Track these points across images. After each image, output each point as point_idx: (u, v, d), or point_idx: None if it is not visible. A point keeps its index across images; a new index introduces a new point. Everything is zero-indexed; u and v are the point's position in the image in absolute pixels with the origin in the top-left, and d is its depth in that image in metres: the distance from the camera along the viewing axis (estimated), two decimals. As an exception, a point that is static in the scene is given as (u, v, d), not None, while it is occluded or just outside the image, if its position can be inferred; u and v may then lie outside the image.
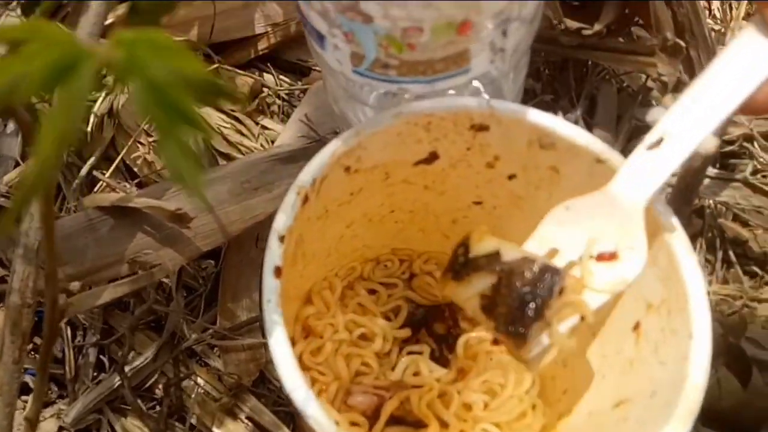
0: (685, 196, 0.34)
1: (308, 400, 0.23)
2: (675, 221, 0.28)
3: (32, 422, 0.27)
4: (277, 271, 0.25)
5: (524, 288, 0.26)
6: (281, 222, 0.25)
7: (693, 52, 0.42)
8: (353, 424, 0.32)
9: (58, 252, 0.32)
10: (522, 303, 0.26)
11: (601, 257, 0.28)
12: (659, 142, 0.27)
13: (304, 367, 0.34)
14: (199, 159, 0.14)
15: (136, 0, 0.21)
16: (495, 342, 0.35)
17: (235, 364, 0.39)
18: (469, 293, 0.28)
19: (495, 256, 0.28)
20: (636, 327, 0.29)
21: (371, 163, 0.29)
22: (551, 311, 0.26)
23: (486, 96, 0.31)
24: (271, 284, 0.24)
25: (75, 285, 0.30)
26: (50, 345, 0.25)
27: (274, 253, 0.25)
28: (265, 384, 0.40)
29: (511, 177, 0.31)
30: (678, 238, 0.27)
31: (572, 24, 0.40)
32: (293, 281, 0.30)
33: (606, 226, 0.27)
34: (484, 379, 0.34)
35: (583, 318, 0.27)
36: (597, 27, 0.40)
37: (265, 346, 0.38)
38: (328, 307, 0.35)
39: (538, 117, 0.28)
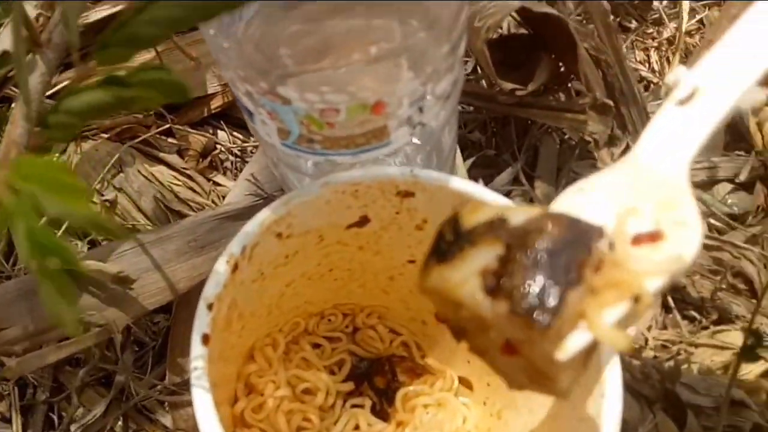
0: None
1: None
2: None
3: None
4: (205, 339, 0.26)
5: (551, 244, 0.19)
6: (210, 290, 0.26)
7: (624, 109, 0.45)
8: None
9: (5, 315, 0.33)
10: (551, 262, 0.19)
11: (638, 240, 0.21)
12: (691, 96, 0.22)
13: (246, 425, 0.35)
14: (75, 300, 0.15)
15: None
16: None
17: (184, 419, 0.40)
18: (464, 273, 0.21)
19: (499, 222, 0.21)
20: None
21: (303, 228, 0.30)
22: (594, 275, 0.19)
23: (420, 155, 0.33)
24: (198, 351, 0.26)
25: (20, 347, 0.31)
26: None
27: (202, 321, 0.26)
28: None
29: (440, 238, 0.33)
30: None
31: (507, 85, 0.42)
32: (230, 341, 0.31)
33: (640, 203, 0.22)
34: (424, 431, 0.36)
35: (637, 299, 0.19)
36: (531, 87, 0.42)
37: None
38: (270, 364, 0.36)
39: (459, 184, 0.30)
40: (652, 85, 0.59)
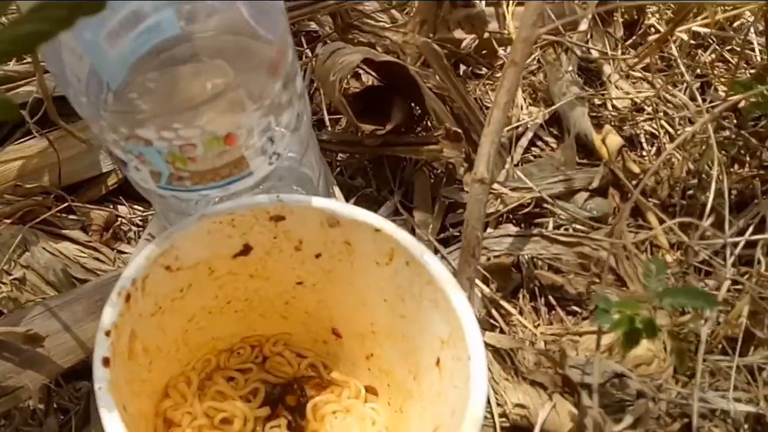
0: (468, 251, 0.41)
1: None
2: (441, 268, 0.34)
3: None
4: (105, 361, 0.29)
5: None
6: (105, 318, 0.30)
7: (474, 135, 0.51)
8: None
9: None
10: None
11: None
12: None
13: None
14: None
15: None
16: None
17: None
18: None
19: None
20: (438, 362, 0.35)
21: (191, 261, 0.34)
22: None
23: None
24: (99, 373, 0.29)
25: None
26: None
27: (101, 346, 0.29)
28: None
29: (317, 255, 0.37)
30: (448, 281, 0.34)
31: (368, 127, 0.48)
32: (140, 375, 0.34)
33: None
34: (332, 437, 0.39)
35: None
36: (389, 126, 0.48)
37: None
38: (186, 398, 0.39)
39: (320, 202, 0.35)
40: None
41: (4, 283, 0.44)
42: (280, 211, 0.35)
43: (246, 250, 0.36)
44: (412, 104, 0.50)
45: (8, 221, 0.46)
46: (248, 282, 0.38)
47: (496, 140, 0.38)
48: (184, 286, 0.35)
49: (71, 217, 0.49)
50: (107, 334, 0.30)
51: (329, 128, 0.55)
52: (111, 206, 0.51)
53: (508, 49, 0.69)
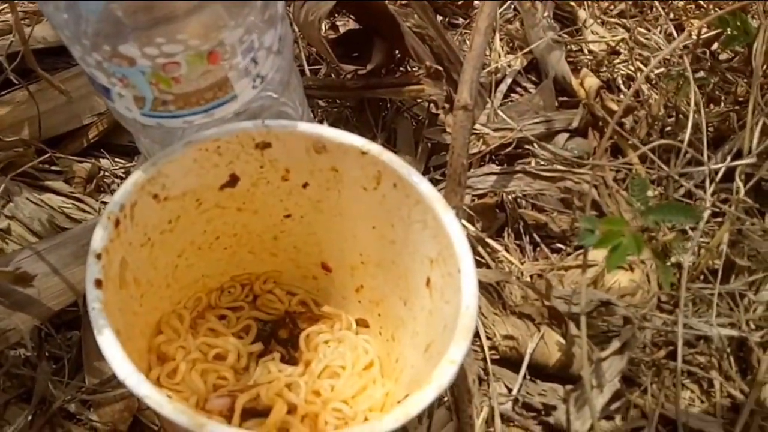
0: (455, 179, 0.41)
1: (140, 383, 0.27)
2: (429, 187, 0.34)
3: None
4: (98, 282, 0.29)
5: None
6: (95, 242, 0.30)
7: (455, 74, 0.51)
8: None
9: None
10: None
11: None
12: None
13: (162, 390, 0.37)
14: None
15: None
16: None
17: (110, 415, 0.42)
18: None
19: None
20: (428, 283, 0.35)
21: (178, 190, 0.34)
22: None
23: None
24: (93, 294, 0.29)
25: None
26: None
27: (92, 268, 0.29)
28: (143, 430, 0.43)
29: (305, 185, 0.38)
30: (437, 200, 0.34)
31: (349, 68, 0.48)
32: (131, 307, 0.34)
33: None
34: (325, 365, 0.39)
35: None
36: (369, 66, 0.48)
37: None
38: (179, 334, 0.39)
39: (306, 127, 0.35)
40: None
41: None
42: (265, 137, 0.35)
43: (233, 180, 0.36)
44: (392, 46, 0.50)
45: (-10, 173, 0.46)
46: (236, 216, 0.38)
47: (479, 66, 0.38)
48: (173, 218, 0.35)
49: (53, 168, 0.49)
50: (98, 257, 0.30)
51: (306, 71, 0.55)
52: (93, 159, 0.51)
53: None
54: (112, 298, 0.30)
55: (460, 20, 0.69)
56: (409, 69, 0.53)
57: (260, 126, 0.34)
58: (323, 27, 0.46)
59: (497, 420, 0.46)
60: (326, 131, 0.35)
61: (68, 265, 0.40)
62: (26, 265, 0.39)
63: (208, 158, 0.34)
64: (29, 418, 0.40)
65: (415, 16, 0.49)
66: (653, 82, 0.66)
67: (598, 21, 0.71)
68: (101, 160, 0.51)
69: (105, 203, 0.48)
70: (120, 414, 0.42)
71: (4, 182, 0.45)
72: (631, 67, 0.66)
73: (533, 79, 0.67)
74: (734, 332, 0.51)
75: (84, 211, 0.47)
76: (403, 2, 0.52)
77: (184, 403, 0.36)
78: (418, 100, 0.54)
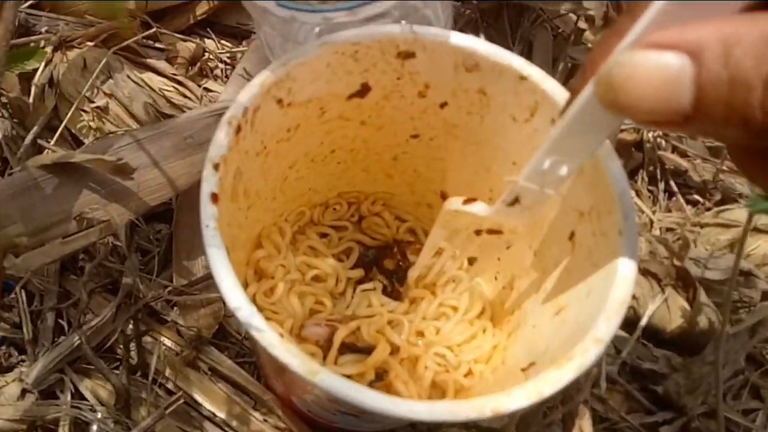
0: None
1: (252, 316, 0.24)
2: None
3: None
4: (214, 197, 0.25)
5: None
6: (214, 150, 0.26)
7: (618, -12, 0.44)
8: (310, 354, 0.33)
9: (5, 212, 0.33)
10: None
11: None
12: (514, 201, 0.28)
13: (257, 308, 0.34)
14: None
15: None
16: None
17: (195, 319, 0.39)
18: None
19: None
20: (571, 237, 0.31)
21: (304, 96, 0.30)
22: None
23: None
24: (208, 210, 0.25)
25: (23, 240, 0.31)
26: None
27: (209, 181, 0.25)
28: (226, 337, 0.41)
29: (443, 105, 0.32)
30: (604, 145, 0.28)
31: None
32: (237, 219, 0.31)
33: None
34: (439, 303, 0.36)
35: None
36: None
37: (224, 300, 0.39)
38: (279, 250, 0.36)
39: (459, 39, 0.29)
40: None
41: (85, 111, 0.41)
42: (411, 45, 0.29)
43: (363, 90, 0.31)
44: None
45: (91, 44, 0.42)
46: (358, 129, 0.34)
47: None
48: (292, 126, 0.31)
49: (157, 45, 0.44)
50: (215, 167, 0.26)
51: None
52: (198, 39, 0.46)
53: None
54: (223, 213, 0.27)
55: None
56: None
57: (407, 31, 0.29)
58: None
59: (602, 382, 0.43)
60: (482, 46, 0.29)
61: (168, 158, 0.36)
62: (126, 154, 0.35)
63: (342, 63, 0.29)
64: (114, 311, 0.38)
65: None
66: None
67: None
68: (206, 40, 0.46)
69: (208, 90, 0.44)
70: (206, 319, 0.39)
71: (106, 56, 0.41)
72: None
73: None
74: None
75: (185, 96, 0.43)
76: None
77: (279, 327, 0.33)
78: (570, 13, 0.46)
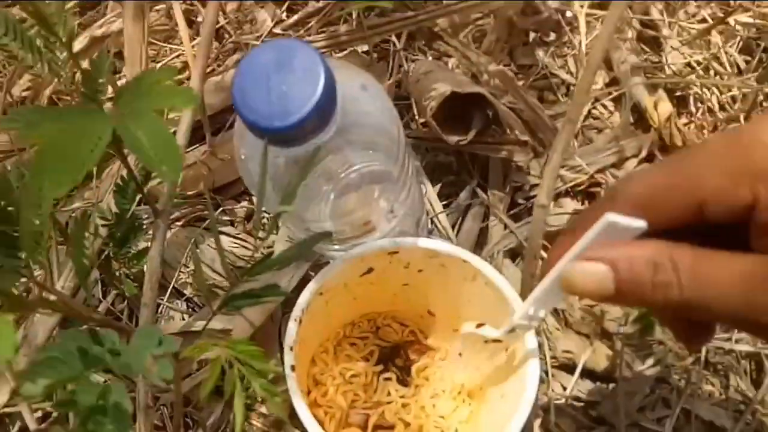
0: (531, 255, 0.54)
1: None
2: (510, 288, 0.47)
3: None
4: (292, 368, 0.44)
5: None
6: (288, 339, 0.45)
7: (541, 134, 0.62)
8: (355, 436, 0.53)
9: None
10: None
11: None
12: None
13: (317, 405, 0.54)
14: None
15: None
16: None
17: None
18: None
19: None
20: (506, 349, 0.49)
21: (334, 284, 0.49)
22: None
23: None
24: (290, 376, 0.44)
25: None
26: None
27: (287, 357, 0.44)
28: (296, 416, 0.60)
29: (420, 271, 0.51)
30: (515, 300, 0.47)
31: (452, 138, 0.59)
32: (300, 357, 0.50)
33: None
34: (432, 391, 0.55)
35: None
36: (470, 136, 0.59)
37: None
38: (327, 364, 0.55)
39: (426, 243, 0.48)
40: (570, 87, 0.75)
41: (182, 273, 0.60)
42: (394, 248, 0.48)
43: (369, 270, 0.50)
44: (488, 117, 0.60)
45: (179, 224, 0.61)
46: (369, 287, 0.53)
47: (556, 174, 0.49)
48: (329, 299, 0.50)
49: (224, 218, 0.63)
50: (291, 349, 0.45)
51: (417, 128, 0.66)
52: (248, 199, 0.65)
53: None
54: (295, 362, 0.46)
55: (552, 36, 0.76)
56: (503, 129, 0.63)
57: (392, 243, 0.47)
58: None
59: (552, 415, 0.62)
60: (438, 245, 0.48)
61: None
62: (222, 318, 0.54)
63: (355, 264, 0.48)
64: (223, 406, 0.58)
65: (509, 93, 0.58)
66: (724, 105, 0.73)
67: (681, 40, 0.76)
68: (252, 198, 0.65)
69: (260, 238, 0.63)
70: (282, 404, 0.59)
71: (195, 235, 0.60)
72: (705, 89, 0.73)
73: (613, 92, 0.74)
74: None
75: (245, 248, 0.62)
76: (494, 85, 0.61)
77: (333, 418, 0.53)
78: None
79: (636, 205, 0.31)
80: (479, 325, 0.49)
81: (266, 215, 0.64)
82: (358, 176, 0.40)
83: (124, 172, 0.50)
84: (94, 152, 0.25)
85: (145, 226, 0.51)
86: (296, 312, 0.46)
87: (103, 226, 0.50)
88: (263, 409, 0.59)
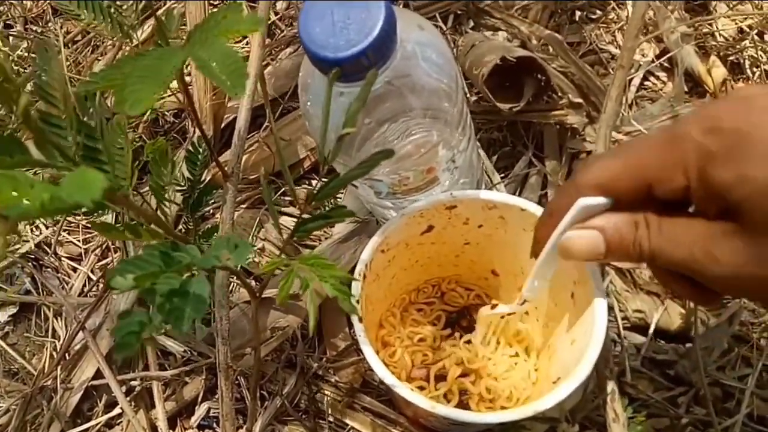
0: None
1: (392, 380, 0.44)
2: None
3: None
4: (360, 319, 0.46)
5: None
6: (354, 290, 0.46)
7: (593, 98, 0.62)
8: (420, 387, 0.53)
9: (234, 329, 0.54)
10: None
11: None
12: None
13: (384, 365, 0.55)
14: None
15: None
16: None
17: (345, 376, 0.60)
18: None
19: None
20: (572, 295, 0.49)
21: (395, 242, 0.50)
22: None
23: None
24: (358, 327, 0.45)
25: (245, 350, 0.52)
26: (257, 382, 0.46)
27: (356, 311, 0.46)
28: (368, 384, 0.61)
29: (479, 226, 0.52)
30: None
31: (505, 106, 0.60)
32: (367, 317, 0.51)
33: None
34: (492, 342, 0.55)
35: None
36: (522, 103, 0.60)
37: (363, 360, 0.60)
38: (394, 327, 0.56)
39: (483, 194, 0.49)
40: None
41: (250, 253, 0.62)
42: (453, 203, 0.49)
43: (429, 229, 0.51)
44: (539, 76, 0.61)
45: (244, 206, 0.64)
46: (430, 247, 0.54)
47: (611, 124, 0.49)
48: (390, 258, 0.51)
49: (285, 198, 0.66)
50: (357, 302, 0.46)
51: (470, 99, 0.67)
52: (307, 182, 0.67)
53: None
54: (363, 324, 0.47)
55: (598, 13, 0.77)
56: (555, 97, 0.64)
57: (450, 197, 0.48)
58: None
59: (628, 374, 0.61)
60: (495, 196, 0.49)
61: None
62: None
63: (414, 220, 0.49)
64: (295, 379, 0.59)
65: (559, 58, 0.59)
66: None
67: (730, 5, 0.76)
68: (312, 182, 0.68)
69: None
70: (353, 375, 0.60)
71: (259, 215, 0.63)
72: (761, 53, 0.72)
73: (665, 65, 0.74)
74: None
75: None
76: (546, 47, 0.62)
77: (398, 376, 0.54)
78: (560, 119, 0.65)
79: (596, 188, 0.37)
80: (493, 306, 0.52)
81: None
82: (418, 120, 0.41)
83: (193, 142, 0.53)
84: (170, 74, 0.28)
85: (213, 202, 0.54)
86: (360, 266, 0.47)
87: (177, 191, 0.53)
88: (335, 378, 0.60)
